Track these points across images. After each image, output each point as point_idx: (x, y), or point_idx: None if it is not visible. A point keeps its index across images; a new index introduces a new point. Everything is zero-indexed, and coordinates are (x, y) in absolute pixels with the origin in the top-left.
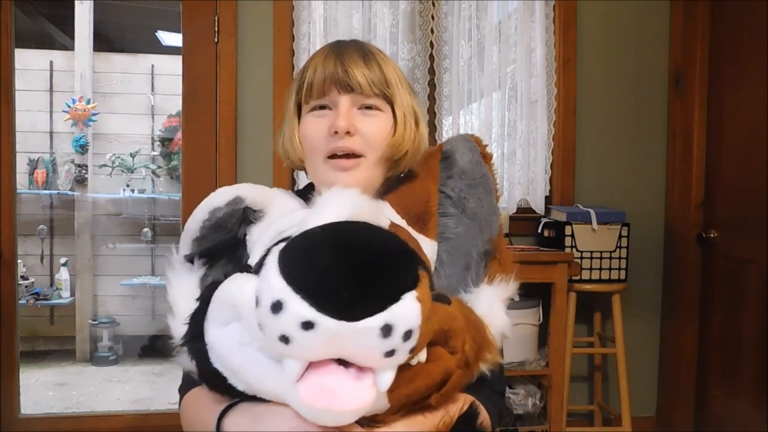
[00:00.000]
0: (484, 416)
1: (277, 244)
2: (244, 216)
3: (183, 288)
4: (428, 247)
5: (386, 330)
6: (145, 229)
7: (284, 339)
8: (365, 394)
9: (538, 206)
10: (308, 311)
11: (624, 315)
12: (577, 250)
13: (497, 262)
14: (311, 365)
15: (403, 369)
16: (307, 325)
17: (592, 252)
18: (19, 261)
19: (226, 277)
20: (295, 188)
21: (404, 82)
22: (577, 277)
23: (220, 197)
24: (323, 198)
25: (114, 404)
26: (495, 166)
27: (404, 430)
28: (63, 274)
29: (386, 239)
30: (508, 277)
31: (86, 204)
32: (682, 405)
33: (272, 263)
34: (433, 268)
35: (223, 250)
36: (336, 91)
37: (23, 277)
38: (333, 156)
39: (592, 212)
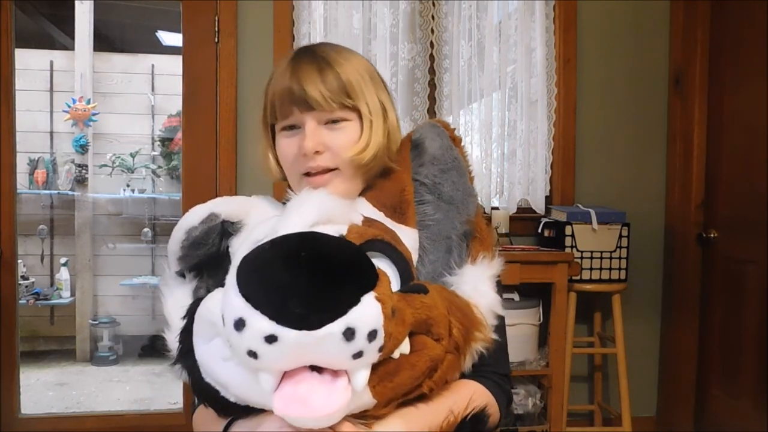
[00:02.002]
0: (493, 411)
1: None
2: (224, 229)
3: (176, 302)
4: (409, 235)
5: (349, 333)
6: (145, 229)
7: (252, 354)
8: (338, 397)
9: (538, 206)
10: (269, 325)
11: (624, 315)
12: (578, 250)
13: (478, 242)
14: (286, 374)
15: (385, 362)
16: (271, 339)
17: (592, 252)
18: (19, 261)
19: (208, 292)
20: (284, 199)
21: (368, 80)
22: (578, 277)
23: (194, 216)
24: (291, 203)
25: (114, 404)
26: (465, 148)
27: (398, 427)
28: (63, 274)
29: (338, 246)
30: (491, 255)
31: (86, 204)
32: (682, 405)
33: (231, 281)
34: (416, 257)
35: (209, 264)
36: (298, 111)
37: (23, 277)
38: (308, 173)
39: (592, 212)
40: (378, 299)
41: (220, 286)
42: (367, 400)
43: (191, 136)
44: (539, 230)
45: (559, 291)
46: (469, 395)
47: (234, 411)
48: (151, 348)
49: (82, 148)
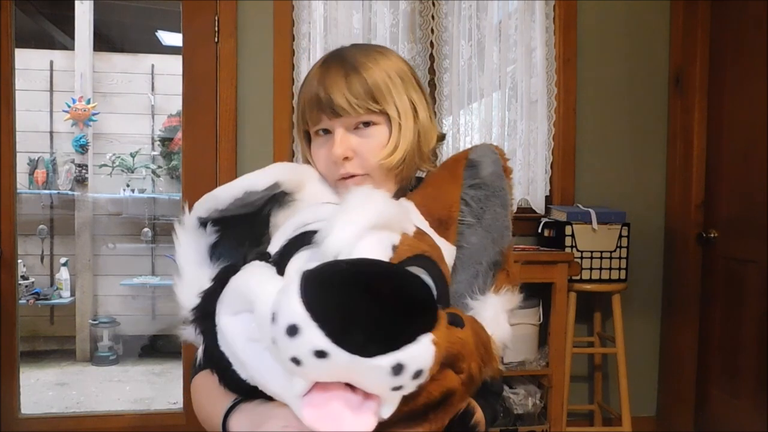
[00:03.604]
0: (478, 416)
1: (298, 237)
2: (272, 195)
3: (191, 252)
4: (447, 251)
5: (397, 369)
6: (145, 229)
7: (296, 361)
8: (365, 422)
9: (539, 206)
10: (323, 341)
11: (624, 315)
12: (578, 250)
13: (505, 274)
14: (318, 384)
15: None
16: (320, 354)
17: (592, 252)
18: (19, 261)
19: (244, 260)
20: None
21: (398, 81)
22: (577, 277)
23: (260, 181)
24: (351, 198)
25: (114, 404)
26: (513, 181)
27: None
28: (63, 274)
29: (409, 280)
30: (514, 289)
31: (86, 204)
32: (682, 405)
33: (295, 285)
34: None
35: (241, 223)
36: (326, 118)
37: (23, 277)
38: (342, 178)
39: (593, 212)
40: (435, 342)
41: (250, 253)
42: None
43: (191, 136)
44: (539, 230)
45: (559, 291)
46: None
47: (240, 388)
48: (151, 348)
49: (82, 148)
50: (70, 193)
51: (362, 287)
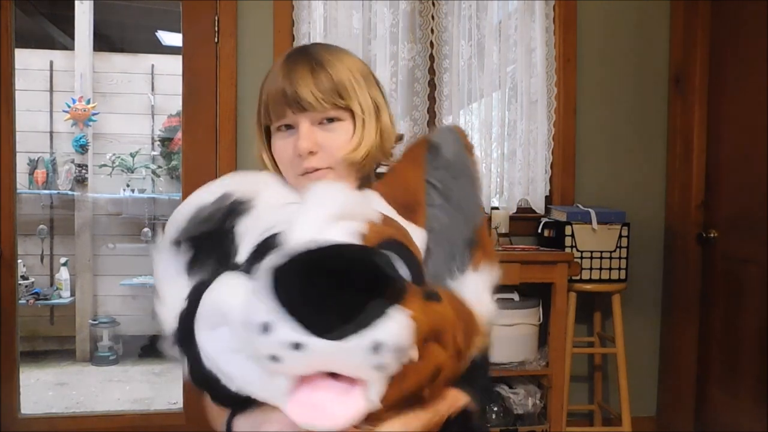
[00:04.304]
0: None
1: (265, 241)
2: (231, 207)
3: (169, 272)
4: (418, 235)
5: (375, 347)
6: (145, 229)
7: (274, 358)
8: (353, 407)
9: (538, 206)
10: (297, 333)
11: (624, 315)
12: (577, 250)
13: (481, 250)
14: (302, 379)
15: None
16: (296, 346)
17: (592, 252)
18: (19, 261)
19: (214, 275)
20: None
21: (361, 79)
22: (577, 277)
23: (208, 195)
24: (311, 193)
25: (114, 404)
26: (477, 158)
27: (399, 428)
28: (63, 274)
29: (373, 258)
30: (492, 264)
31: (86, 204)
32: (682, 405)
33: (261, 283)
34: (422, 257)
35: (208, 239)
36: (291, 112)
37: (23, 277)
38: (305, 173)
39: (592, 212)
40: (411, 317)
41: (221, 267)
42: (374, 405)
43: (191, 136)
44: (539, 230)
45: (559, 291)
46: (452, 392)
47: (233, 401)
48: (151, 348)
49: (82, 148)
50: (70, 193)
51: (323, 271)
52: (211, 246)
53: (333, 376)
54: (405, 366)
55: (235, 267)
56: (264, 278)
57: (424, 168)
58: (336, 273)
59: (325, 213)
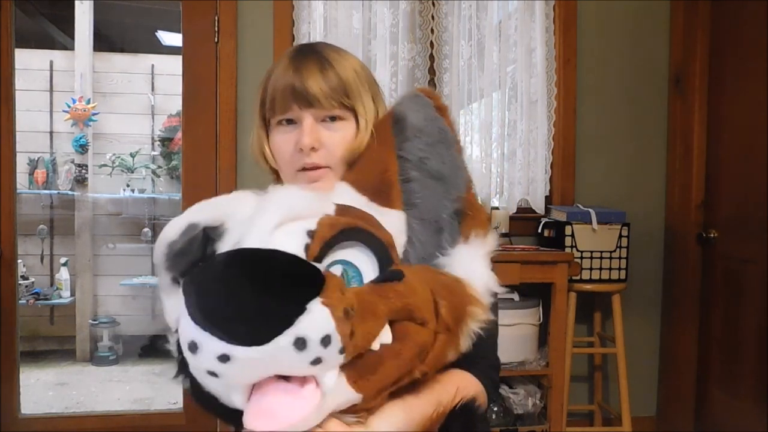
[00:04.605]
0: (481, 400)
1: None
2: (207, 236)
3: (174, 308)
4: (395, 218)
5: (299, 343)
6: (145, 229)
7: (212, 373)
8: (305, 403)
9: (538, 206)
10: (219, 346)
11: (624, 315)
12: (577, 250)
13: (470, 219)
14: (255, 386)
15: (364, 356)
16: (224, 358)
17: (592, 252)
18: (19, 261)
19: None
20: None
21: (365, 81)
22: (577, 277)
23: (172, 230)
24: (261, 201)
25: (114, 404)
26: (452, 118)
27: (394, 418)
28: (63, 274)
29: (278, 258)
30: (485, 232)
31: (86, 204)
32: (682, 405)
33: (185, 301)
34: (404, 239)
35: None
36: (297, 107)
37: (23, 277)
38: (303, 169)
39: (592, 212)
40: (325, 304)
41: None
42: (351, 396)
43: (191, 136)
44: (539, 230)
45: (559, 291)
46: (457, 384)
47: (233, 416)
48: (151, 348)
49: (82, 148)
50: (70, 193)
51: (233, 279)
52: None
53: (286, 378)
54: (378, 352)
55: None
56: (185, 296)
57: (393, 143)
58: (252, 278)
59: (269, 221)
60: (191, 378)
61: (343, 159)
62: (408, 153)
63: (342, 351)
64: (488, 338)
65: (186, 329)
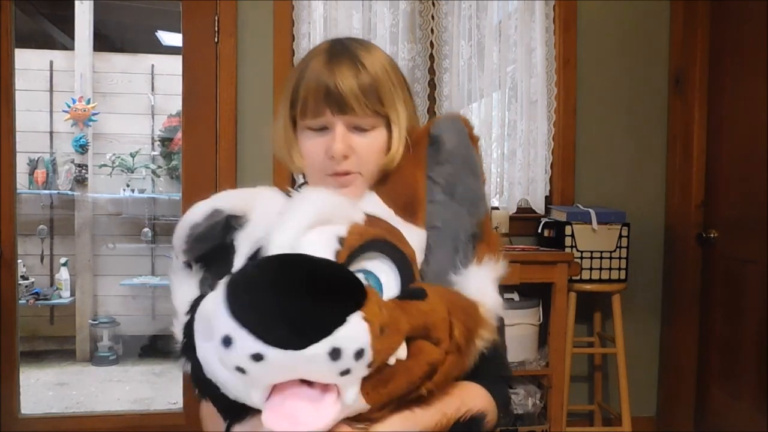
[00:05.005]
0: (490, 413)
1: (255, 253)
2: (228, 223)
3: (184, 292)
4: (416, 236)
5: (335, 354)
6: (145, 229)
7: (240, 370)
8: (327, 412)
9: (538, 206)
10: (255, 344)
11: (624, 315)
12: (577, 250)
13: (485, 244)
14: (276, 386)
15: (380, 369)
16: (257, 357)
17: (592, 252)
18: (19, 261)
19: (212, 288)
20: (296, 187)
21: (398, 86)
22: (577, 277)
23: (197, 213)
24: (291, 203)
25: (114, 404)
26: (481, 149)
27: (395, 428)
28: (63, 274)
29: (326, 267)
30: (497, 258)
31: (86, 204)
32: (682, 405)
33: (220, 298)
34: (422, 257)
35: (215, 256)
36: (330, 112)
37: (23, 277)
38: (333, 174)
39: (592, 212)
40: (366, 319)
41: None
42: (360, 406)
43: (191, 136)
44: (539, 230)
45: (559, 291)
46: (463, 397)
47: (233, 408)
48: (151, 348)
49: (82, 148)
50: (70, 193)
51: (279, 282)
52: (218, 262)
53: (308, 383)
54: (393, 367)
55: None
56: (229, 288)
57: (426, 164)
58: (298, 283)
59: (300, 222)
60: (193, 362)
61: (375, 165)
62: (438, 176)
63: (370, 365)
64: (498, 351)
65: (222, 322)
